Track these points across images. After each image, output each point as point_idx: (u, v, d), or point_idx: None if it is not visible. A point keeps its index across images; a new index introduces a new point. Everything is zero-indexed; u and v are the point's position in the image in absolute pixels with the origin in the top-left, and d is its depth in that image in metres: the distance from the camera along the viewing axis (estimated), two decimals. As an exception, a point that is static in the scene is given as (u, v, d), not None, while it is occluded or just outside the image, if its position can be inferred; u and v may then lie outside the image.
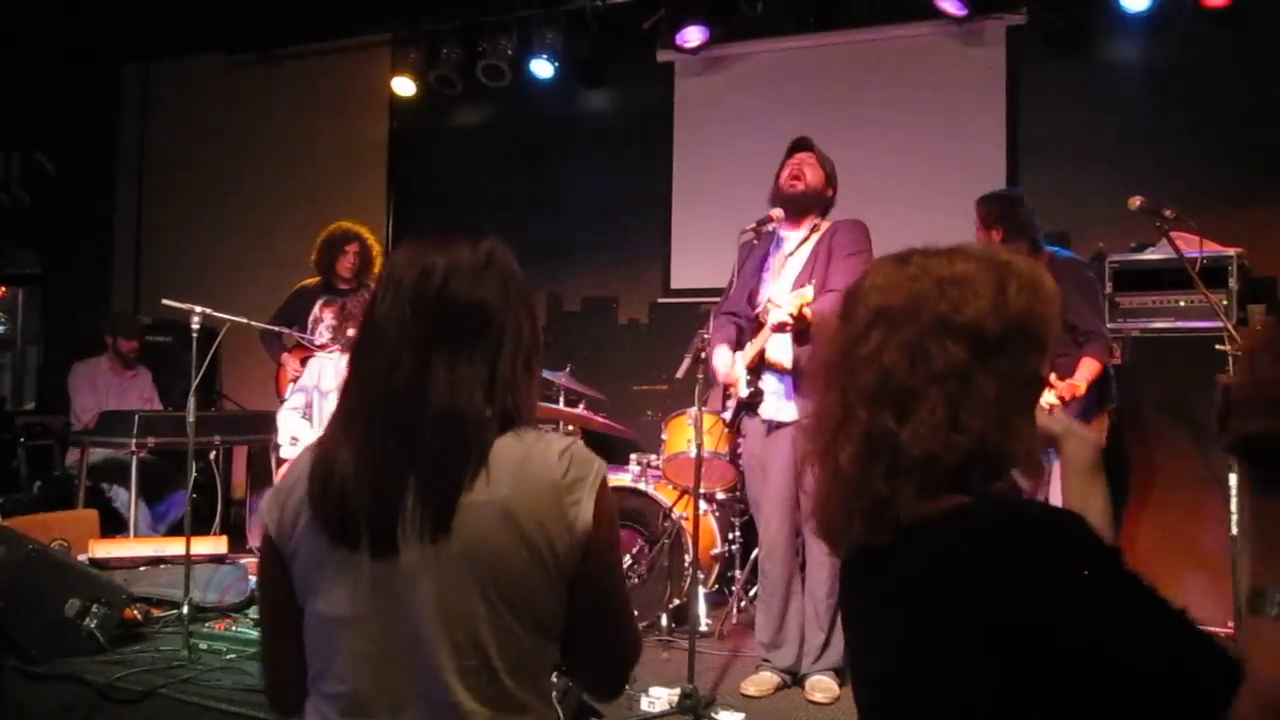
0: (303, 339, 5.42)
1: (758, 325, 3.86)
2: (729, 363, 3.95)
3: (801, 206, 3.93)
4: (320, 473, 1.43)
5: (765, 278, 3.99)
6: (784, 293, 3.81)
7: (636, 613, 4.68)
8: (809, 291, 3.51)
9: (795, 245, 3.96)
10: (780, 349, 3.83)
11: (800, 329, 3.62)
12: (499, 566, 1.35)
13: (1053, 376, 3.91)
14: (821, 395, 1.37)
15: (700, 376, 3.66)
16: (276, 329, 5.49)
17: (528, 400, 1.47)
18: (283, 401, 5.39)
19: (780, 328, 3.62)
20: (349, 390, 1.50)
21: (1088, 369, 3.99)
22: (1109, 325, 4.70)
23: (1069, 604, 1.13)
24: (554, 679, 3.11)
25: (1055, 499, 3.43)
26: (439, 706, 1.37)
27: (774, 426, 3.89)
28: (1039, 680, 1.14)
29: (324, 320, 5.64)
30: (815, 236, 3.94)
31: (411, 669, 1.38)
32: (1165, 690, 1.11)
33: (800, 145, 3.99)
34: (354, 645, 1.40)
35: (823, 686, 3.79)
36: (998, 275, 1.31)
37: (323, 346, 5.21)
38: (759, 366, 3.88)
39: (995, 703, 1.17)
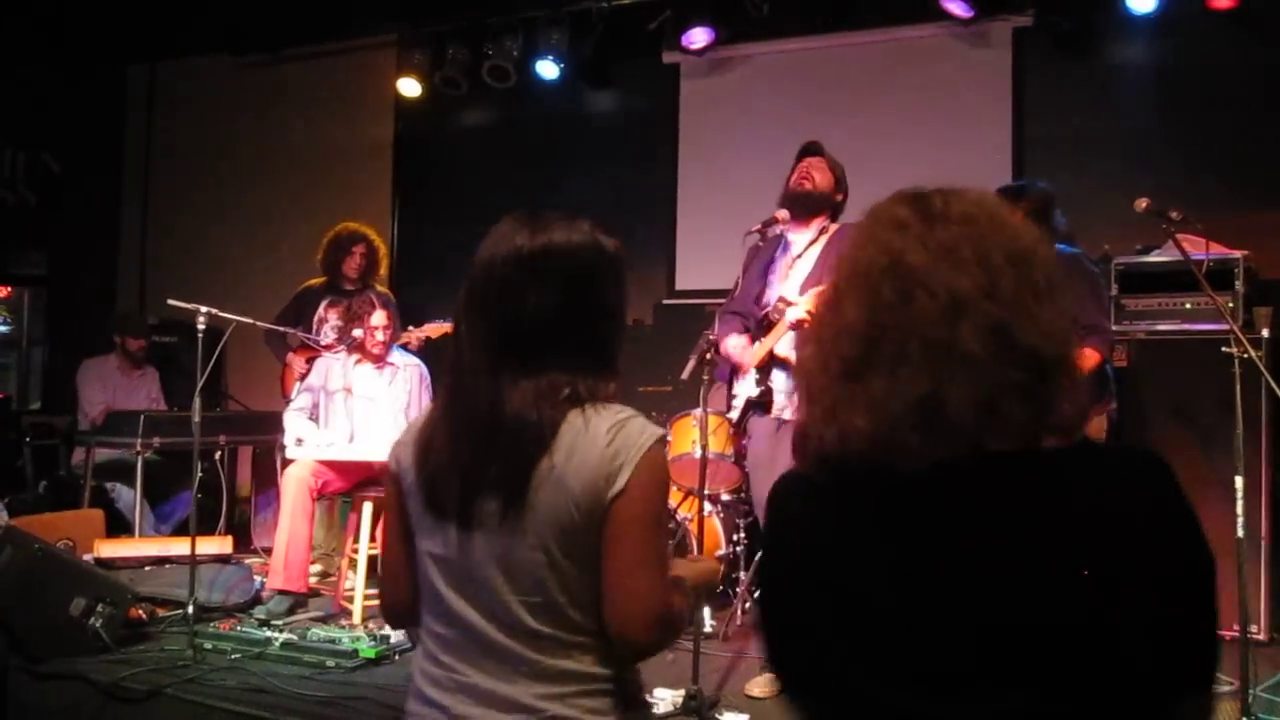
0: (308, 339, 5.43)
1: (765, 325, 3.86)
2: (743, 344, 3.95)
3: (809, 207, 3.92)
4: (422, 446, 1.68)
5: (772, 280, 3.98)
6: (794, 290, 3.82)
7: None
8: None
9: (803, 248, 3.96)
10: (790, 347, 3.84)
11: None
12: (554, 524, 1.56)
13: None
14: (893, 299, 1.22)
15: (705, 378, 3.66)
16: (281, 329, 5.49)
17: (600, 386, 1.63)
18: (288, 401, 5.40)
19: (798, 325, 3.61)
20: (445, 382, 1.72)
21: (1087, 359, 3.98)
22: (1115, 327, 4.70)
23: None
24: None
25: None
26: (510, 626, 1.59)
27: (782, 424, 3.89)
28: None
29: (329, 320, 5.66)
30: (823, 239, 3.94)
31: (486, 606, 1.60)
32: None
33: (809, 150, 3.98)
34: (447, 583, 1.63)
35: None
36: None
37: (329, 347, 5.22)
38: (768, 365, 3.89)
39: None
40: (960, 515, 1.17)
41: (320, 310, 5.74)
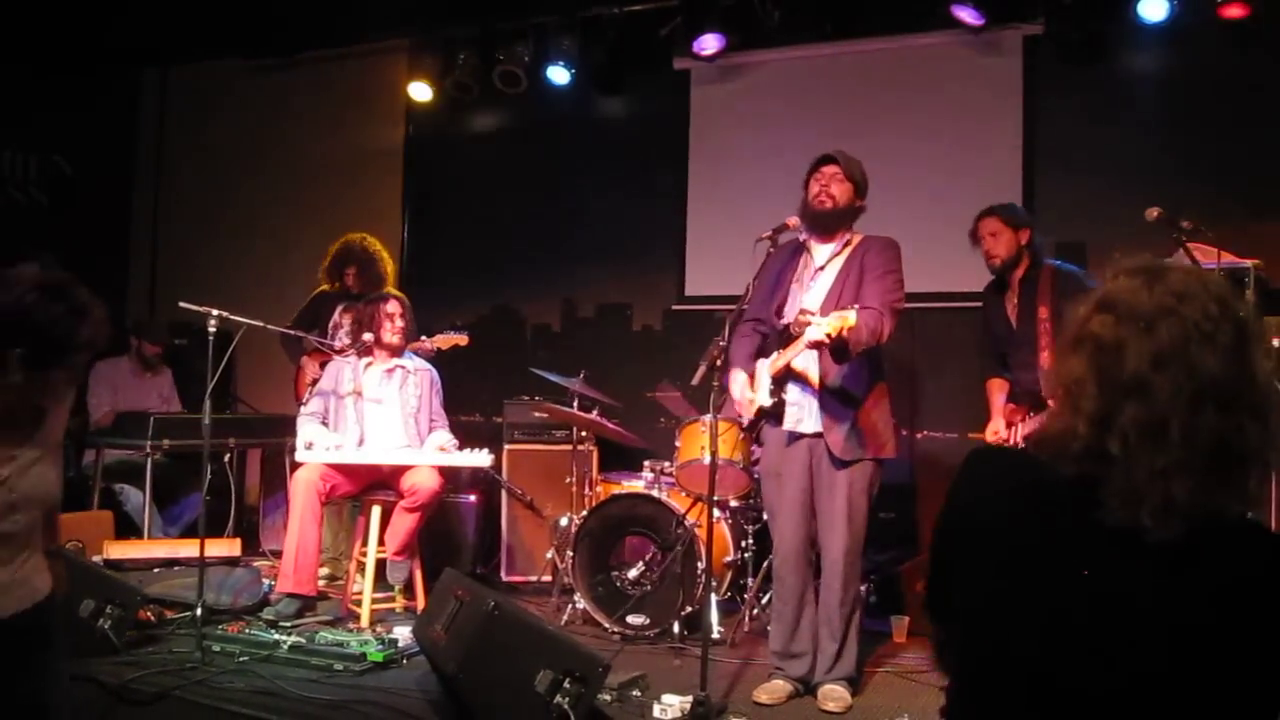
0: (320, 343, 5.44)
1: (786, 335, 3.86)
2: (743, 386, 3.95)
3: (831, 226, 3.93)
4: None
5: (794, 289, 3.98)
6: (816, 302, 3.83)
7: (648, 620, 4.69)
8: (852, 316, 3.46)
9: (826, 259, 3.95)
10: (808, 361, 3.84)
11: (836, 348, 3.62)
12: None
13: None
14: (1166, 376, 1.43)
15: (715, 384, 3.66)
16: (295, 333, 5.50)
17: None
18: (300, 405, 5.41)
19: (816, 345, 3.61)
20: None
21: None
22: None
23: None
24: (566, 684, 3.12)
25: None
26: None
27: (794, 437, 3.89)
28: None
29: (344, 325, 5.67)
30: (847, 251, 3.94)
31: None
32: None
33: (826, 160, 3.95)
34: None
35: (835, 696, 3.78)
36: None
37: (340, 350, 5.23)
38: (784, 377, 3.89)
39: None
40: (1140, 569, 1.43)
41: (336, 315, 5.76)
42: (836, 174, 3.90)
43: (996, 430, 4.40)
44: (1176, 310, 1.44)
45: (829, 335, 3.48)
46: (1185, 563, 1.41)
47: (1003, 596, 1.52)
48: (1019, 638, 1.50)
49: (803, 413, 3.88)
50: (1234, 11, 5.13)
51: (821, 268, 3.95)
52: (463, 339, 5.53)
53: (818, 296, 3.89)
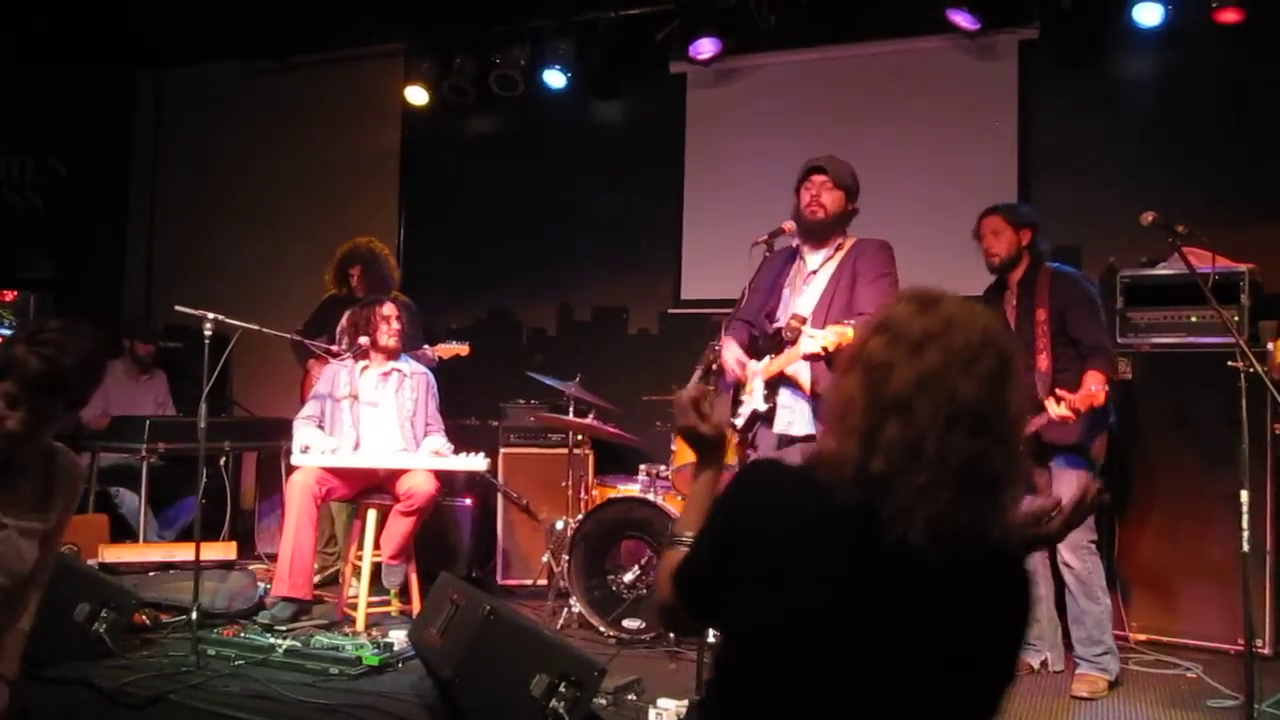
0: (315, 346, 5.44)
1: (777, 339, 3.86)
2: (737, 355, 3.95)
3: (823, 233, 3.95)
4: None
5: (786, 294, 3.99)
6: (809, 307, 3.85)
7: (644, 624, 4.69)
8: (850, 331, 3.47)
9: (819, 263, 3.97)
10: (799, 366, 3.84)
11: (831, 358, 3.62)
12: None
13: (1060, 392, 3.90)
14: (955, 428, 1.52)
15: (710, 388, 3.66)
16: (290, 336, 5.50)
17: None
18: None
19: (813, 358, 3.61)
20: None
21: (1096, 380, 3.95)
22: (1120, 340, 4.70)
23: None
24: (562, 688, 3.12)
25: None
26: None
27: (786, 441, 3.90)
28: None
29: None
30: (839, 255, 3.95)
31: None
32: None
33: (814, 169, 3.94)
34: None
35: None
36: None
37: (337, 354, 5.22)
38: (777, 381, 3.89)
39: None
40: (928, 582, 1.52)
41: (344, 320, 5.75)
42: (826, 183, 3.91)
43: None
44: (943, 336, 1.53)
45: (825, 349, 3.49)
46: (949, 585, 1.51)
47: (778, 613, 1.57)
48: (791, 654, 1.56)
49: (793, 415, 3.88)
50: (1229, 16, 5.14)
51: (814, 272, 3.96)
52: (464, 349, 5.53)
53: (810, 301, 3.90)
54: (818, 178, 3.91)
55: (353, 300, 5.78)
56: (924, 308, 1.58)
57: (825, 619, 1.54)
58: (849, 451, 1.54)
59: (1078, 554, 4.11)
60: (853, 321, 3.56)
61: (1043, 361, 4.15)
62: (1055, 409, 3.89)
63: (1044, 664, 4.33)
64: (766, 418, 3.92)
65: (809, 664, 1.54)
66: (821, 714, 1.55)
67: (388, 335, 5.10)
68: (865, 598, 1.54)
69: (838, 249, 3.96)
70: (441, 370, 5.52)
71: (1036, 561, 4.34)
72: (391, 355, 5.18)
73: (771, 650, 1.58)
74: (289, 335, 5.43)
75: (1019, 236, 4.30)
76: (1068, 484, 4.15)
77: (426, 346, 5.56)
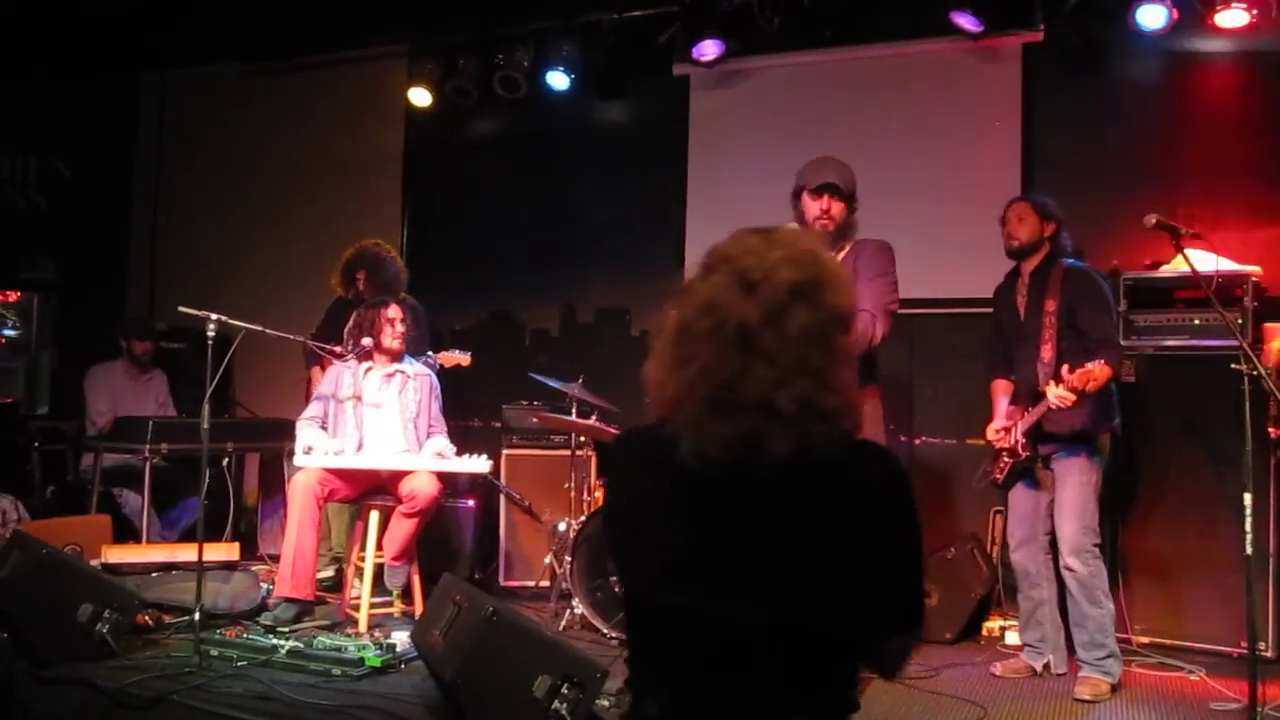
0: (318, 347, 5.44)
1: None
2: None
3: (831, 245, 3.94)
4: None
5: None
6: None
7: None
8: None
9: None
10: None
11: None
12: None
13: (1062, 372, 3.92)
14: (727, 355, 1.57)
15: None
16: (291, 337, 5.50)
17: None
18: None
19: None
20: None
21: (1104, 373, 3.95)
22: (1124, 342, 4.70)
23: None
24: (564, 690, 3.12)
25: None
26: None
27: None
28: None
29: None
30: (841, 256, 3.95)
31: None
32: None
33: (823, 189, 3.90)
34: None
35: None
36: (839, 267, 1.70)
37: (340, 355, 5.23)
38: None
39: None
40: (742, 500, 1.59)
41: (351, 321, 5.76)
42: (834, 201, 3.89)
43: (998, 430, 4.41)
44: (736, 259, 1.60)
45: None
46: (767, 500, 1.58)
47: (637, 547, 1.71)
48: (653, 584, 1.67)
49: None
50: (1231, 20, 5.14)
51: None
52: (465, 359, 5.54)
53: None
54: (827, 197, 3.89)
55: (361, 302, 5.78)
56: (741, 236, 1.65)
57: (678, 555, 1.63)
58: (655, 378, 1.65)
59: (1081, 558, 4.11)
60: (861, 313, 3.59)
61: (1047, 352, 4.17)
62: (1054, 391, 3.90)
63: (1047, 666, 4.33)
64: None
65: (678, 601, 1.61)
66: (702, 648, 1.62)
67: (391, 338, 5.10)
68: (695, 523, 1.62)
69: (839, 251, 3.97)
70: (444, 371, 5.52)
71: (1041, 564, 4.34)
72: (395, 358, 5.18)
73: (649, 600, 1.69)
74: (295, 338, 5.43)
75: (1043, 227, 4.32)
76: (1071, 475, 4.16)
77: (430, 354, 5.56)
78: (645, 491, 1.73)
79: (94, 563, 4.82)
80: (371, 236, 6.12)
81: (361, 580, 4.78)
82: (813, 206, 3.91)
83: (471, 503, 5.96)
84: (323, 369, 5.69)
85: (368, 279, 5.83)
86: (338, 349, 5.24)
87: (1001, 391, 4.49)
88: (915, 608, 1.65)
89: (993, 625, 5.02)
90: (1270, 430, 4.39)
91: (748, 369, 1.55)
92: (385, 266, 5.87)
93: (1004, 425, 4.38)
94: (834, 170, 3.92)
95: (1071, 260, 4.35)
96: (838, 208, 3.89)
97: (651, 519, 1.70)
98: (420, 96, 6.95)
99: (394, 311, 5.12)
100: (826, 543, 1.56)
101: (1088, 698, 4.00)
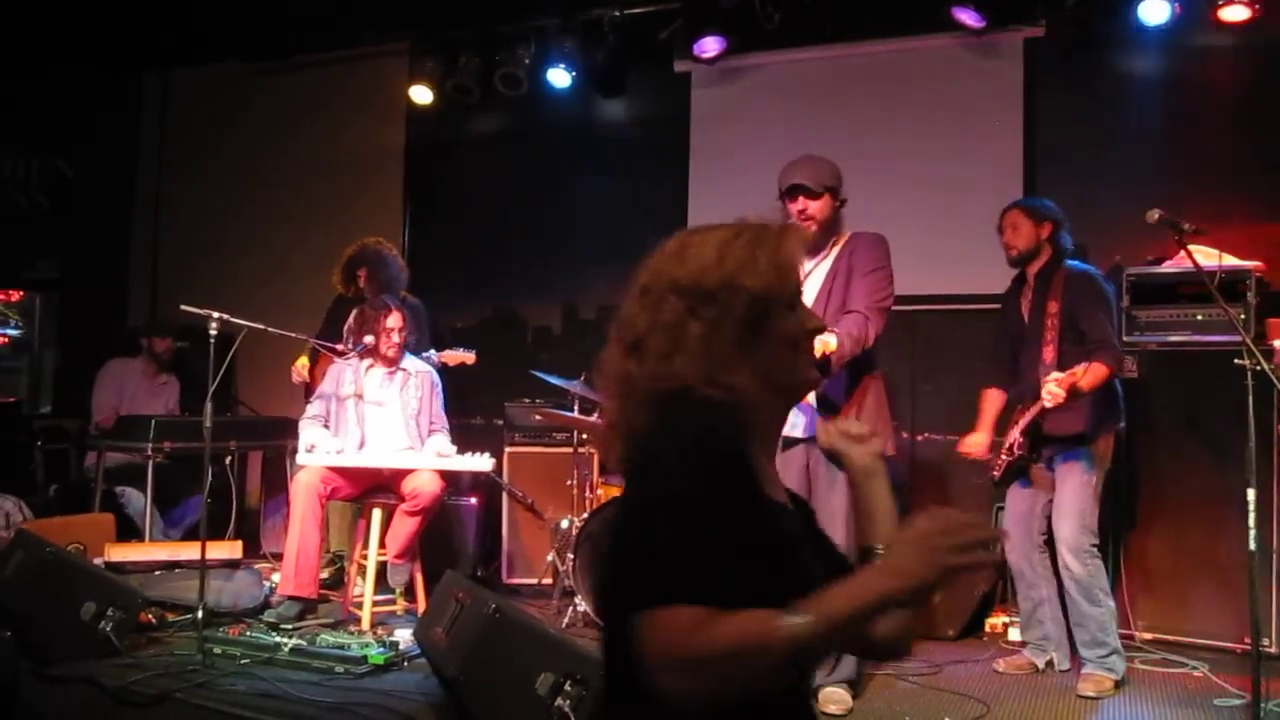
0: (320, 345, 5.44)
1: None
2: None
3: (820, 242, 3.95)
4: None
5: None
6: (809, 300, 3.84)
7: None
8: (832, 341, 3.55)
9: (815, 262, 3.97)
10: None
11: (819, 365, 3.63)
12: None
13: (1055, 374, 3.93)
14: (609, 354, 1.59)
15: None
16: (295, 335, 5.50)
17: None
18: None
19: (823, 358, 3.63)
20: None
21: (1094, 372, 3.98)
22: (1126, 338, 4.69)
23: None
24: (567, 687, 3.12)
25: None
26: None
27: (788, 443, 3.89)
28: None
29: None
30: (835, 250, 3.95)
31: None
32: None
33: (793, 190, 3.91)
34: None
35: (836, 698, 3.78)
36: (729, 235, 1.59)
37: (341, 353, 5.23)
38: None
39: None
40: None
41: (351, 320, 5.75)
42: (804, 200, 3.89)
43: (977, 443, 4.41)
44: (647, 265, 1.60)
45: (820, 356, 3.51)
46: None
47: None
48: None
49: (794, 416, 3.89)
50: (1234, 14, 5.13)
51: (810, 271, 3.97)
52: (470, 357, 5.54)
53: (809, 298, 3.90)
54: (801, 198, 3.90)
55: (361, 300, 5.78)
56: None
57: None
58: None
59: (1079, 558, 4.11)
60: (834, 330, 3.61)
61: (1048, 353, 4.17)
62: (1047, 390, 3.91)
63: (1050, 664, 4.33)
64: None
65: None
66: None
67: (388, 347, 5.09)
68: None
69: (833, 244, 3.97)
70: (448, 369, 5.52)
71: (1036, 562, 4.34)
72: (392, 365, 5.18)
73: None
74: (298, 336, 5.43)
75: (1038, 230, 4.33)
76: (1071, 476, 4.16)
77: (433, 352, 5.56)
78: None
79: (97, 561, 4.82)
80: (373, 234, 6.11)
81: (364, 578, 4.78)
82: (791, 209, 3.92)
83: (474, 500, 5.97)
84: (312, 365, 5.71)
85: (369, 277, 5.82)
86: (339, 347, 5.25)
87: (990, 402, 4.48)
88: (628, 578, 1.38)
89: (996, 622, 5.02)
90: (1278, 426, 4.38)
91: (628, 370, 1.56)
92: (386, 265, 5.86)
93: (980, 443, 4.39)
94: (801, 170, 3.92)
95: (1075, 263, 4.35)
96: (814, 206, 3.89)
97: None
98: (421, 94, 6.95)
99: (393, 320, 5.09)
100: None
101: (1091, 694, 4.00)
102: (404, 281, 5.92)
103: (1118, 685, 4.07)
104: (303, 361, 5.85)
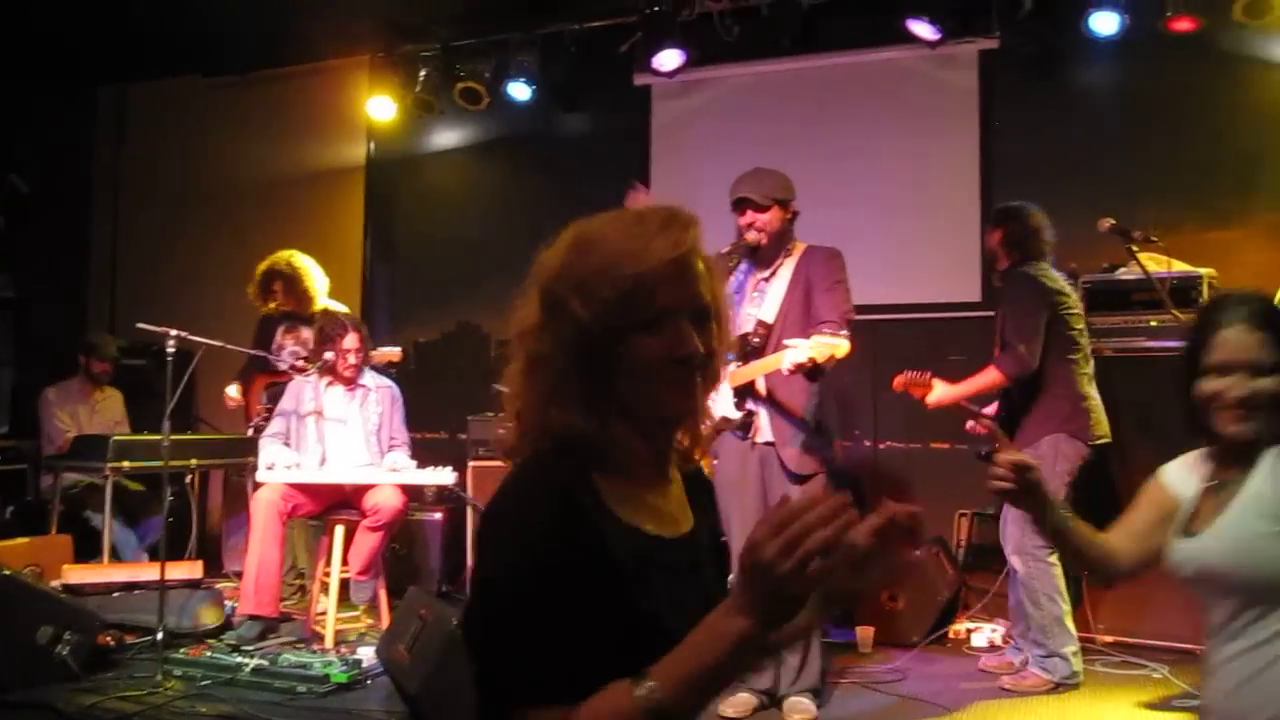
0: (277, 361, 5.41)
1: (744, 345, 3.91)
2: None
3: (770, 254, 4.00)
4: None
5: (740, 300, 4.01)
6: (771, 314, 3.94)
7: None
8: (844, 345, 3.59)
9: (771, 270, 4.00)
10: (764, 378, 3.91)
11: (810, 370, 3.66)
12: None
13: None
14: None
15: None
16: (256, 353, 5.46)
17: None
18: (250, 426, 5.39)
19: (799, 369, 3.65)
20: None
21: (982, 377, 4.21)
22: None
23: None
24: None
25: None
26: None
27: (752, 445, 3.93)
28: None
29: (286, 347, 5.63)
30: (791, 261, 3.99)
31: None
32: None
33: (737, 204, 3.96)
34: None
35: (800, 708, 3.79)
36: (578, 234, 1.49)
37: (300, 370, 5.20)
38: (745, 389, 3.93)
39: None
40: None
41: (278, 337, 5.71)
42: (755, 217, 3.93)
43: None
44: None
45: (812, 360, 3.54)
46: None
47: None
48: None
49: (755, 420, 3.95)
50: (1182, 25, 5.22)
51: (767, 279, 4.00)
52: (395, 353, 5.54)
53: (772, 306, 3.94)
54: (749, 211, 3.93)
55: (285, 317, 5.74)
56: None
57: None
58: None
59: (1023, 558, 4.18)
60: (845, 333, 3.65)
61: (996, 356, 4.29)
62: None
63: (1025, 662, 4.36)
64: (743, 426, 3.95)
65: None
66: None
67: (345, 367, 5.07)
68: None
69: (787, 254, 4.01)
70: (409, 383, 5.50)
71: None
72: (349, 384, 5.15)
73: None
74: (256, 353, 5.40)
75: (993, 236, 4.45)
76: None
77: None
78: None
79: (55, 583, 4.75)
80: (334, 250, 6.09)
81: (327, 596, 4.74)
82: (740, 222, 3.96)
83: (439, 516, 5.94)
84: (244, 387, 5.67)
85: (285, 291, 5.76)
86: (298, 364, 5.22)
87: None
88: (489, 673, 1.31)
89: (959, 628, 5.05)
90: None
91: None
92: (300, 279, 5.77)
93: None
94: (747, 184, 3.97)
95: (1022, 268, 4.38)
96: (761, 219, 3.93)
97: None
98: (382, 109, 6.93)
99: (350, 341, 5.05)
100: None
101: (1008, 687, 4.12)
102: (322, 291, 5.84)
103: (1056, 687, 4.12)
104: (232, 389, 5.78)
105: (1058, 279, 4.34)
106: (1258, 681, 1.85)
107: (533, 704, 1.23)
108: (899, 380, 4.47)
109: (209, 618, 4.75)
